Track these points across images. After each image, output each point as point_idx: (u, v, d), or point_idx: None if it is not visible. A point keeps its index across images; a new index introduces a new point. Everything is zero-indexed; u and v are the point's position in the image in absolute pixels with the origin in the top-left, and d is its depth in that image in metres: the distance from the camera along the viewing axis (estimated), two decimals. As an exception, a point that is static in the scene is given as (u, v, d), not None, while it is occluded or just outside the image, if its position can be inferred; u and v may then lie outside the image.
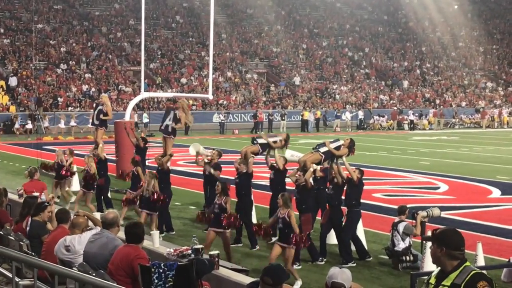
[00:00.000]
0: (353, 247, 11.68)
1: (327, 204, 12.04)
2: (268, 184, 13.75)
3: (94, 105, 20.75)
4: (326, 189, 12.07)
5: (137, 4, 52.08)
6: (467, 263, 4.63)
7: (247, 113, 47.40)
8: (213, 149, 15.41)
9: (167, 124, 16.78)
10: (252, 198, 13.37)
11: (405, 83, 59.91)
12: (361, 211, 11.92)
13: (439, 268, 4.71)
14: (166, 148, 16.61)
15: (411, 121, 48.84)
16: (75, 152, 18.25)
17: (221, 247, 10.92)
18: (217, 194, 11.33)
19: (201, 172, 16.02)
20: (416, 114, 50.66)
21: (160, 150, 17.40)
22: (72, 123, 40.10)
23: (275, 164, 13.19)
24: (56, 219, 8.34)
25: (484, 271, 4.74)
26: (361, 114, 49.30)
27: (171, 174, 14.37)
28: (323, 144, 12.56)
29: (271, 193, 13.28)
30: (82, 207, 15.24)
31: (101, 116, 18.57)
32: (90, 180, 15.25)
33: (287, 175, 12.97)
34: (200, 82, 50.62)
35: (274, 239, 12.83)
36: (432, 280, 4.71)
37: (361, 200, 11.86)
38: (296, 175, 11.96)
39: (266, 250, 12.30)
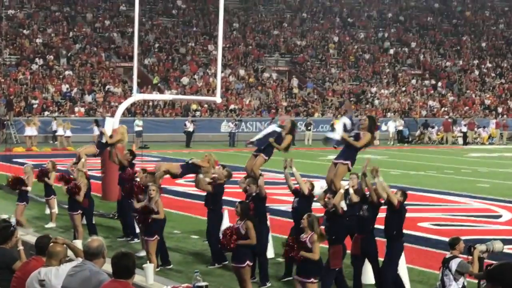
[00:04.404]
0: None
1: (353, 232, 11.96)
2: (290, 211, 13.64)
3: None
4: (360, 212, 11.97)
5: (130, -14, 52.42)
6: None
7: (264, 120, 46.78)
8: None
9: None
10: (269, 225, 13.35)
11: (437, 83, 59.70)
12: (404, 243, 11.89)
13: None
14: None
15: (465, 134, 48.47)
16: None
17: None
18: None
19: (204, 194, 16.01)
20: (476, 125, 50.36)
21: (151, 166, 17.34)
22: (68, 132, 40.07)
23: (299, 190, 13.06)
24: (36, 248, 8.26)
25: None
26: (403, 124, 48.65)
27: (167, 196, 14.38)
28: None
29: (292, 221, 13.22)
30: (61, 232, 15.34)
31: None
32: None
33: (314, 199, 12.93)
34: (206, 82, 50.83)
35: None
36: None
37: (404, 230, 11.83)
38: (325, 198, 11.94)
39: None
